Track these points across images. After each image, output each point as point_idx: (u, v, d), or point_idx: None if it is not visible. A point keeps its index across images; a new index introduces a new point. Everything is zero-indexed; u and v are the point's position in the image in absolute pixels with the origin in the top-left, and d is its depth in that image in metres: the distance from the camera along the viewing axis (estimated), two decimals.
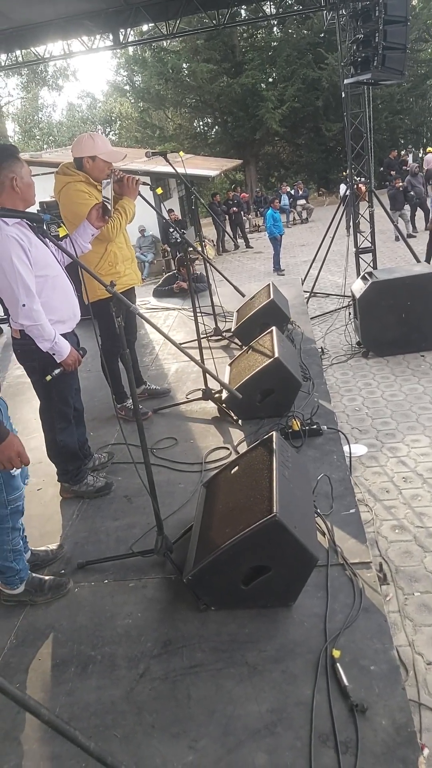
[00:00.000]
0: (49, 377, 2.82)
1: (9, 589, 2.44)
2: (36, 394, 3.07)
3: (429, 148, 21.69)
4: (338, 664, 1.92)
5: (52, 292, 2.81)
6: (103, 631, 2.27)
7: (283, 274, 13.77)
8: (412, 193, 14.52)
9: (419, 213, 15.08)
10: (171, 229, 15.71)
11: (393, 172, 18.78)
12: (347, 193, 9.71)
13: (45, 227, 2.63)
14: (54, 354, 2.81)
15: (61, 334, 2.84)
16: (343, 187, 14.52)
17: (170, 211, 17.31)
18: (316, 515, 2.58)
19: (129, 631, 2.24)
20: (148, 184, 3.77)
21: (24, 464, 2.11)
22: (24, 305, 2.64)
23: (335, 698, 1.83)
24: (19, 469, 2.27)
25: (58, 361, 2.83)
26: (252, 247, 18.61)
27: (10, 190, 2.61)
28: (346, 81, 8.46)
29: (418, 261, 9.09)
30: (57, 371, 2.84)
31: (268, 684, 1.93)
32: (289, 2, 23.99)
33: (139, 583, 2.49)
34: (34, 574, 2.51)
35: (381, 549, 4.09)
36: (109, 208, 3.10)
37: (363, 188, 9.60)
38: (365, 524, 2.74)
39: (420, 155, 21.12)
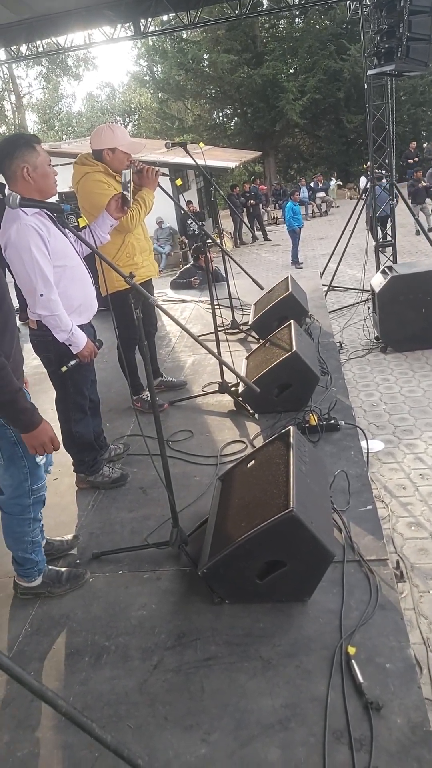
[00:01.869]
0: (64, 368, 2.82)
1: (26, 581, 2.44)
2: (52, 385, 3.08)
3: None
4: (353, 661, 1.91)
5: (70, 283, 2.80)
6: (117, 621, 2.27)
7: (302, 267, 13.68)
8: None
9: None
10: (189, 221, 15.67)
11: (411, 161, 18.55)
12: (368, 186, 9.61)
13: (65, 217, 2.63)
14: (70, 345, 2.80)
15: (78, 326, 2.83)
16: (363, 180, 14.35)
17: (189, 202, 17.26)
18: (332, 511, 2.56)
19: (143, 623, 2.25)
20: (168, 175, 3.75)
21: (55, 449, 2.14)
22: (42, 295, 2.63)
23: (350, 695, 1.82)
24: (44, 459, 2.29)
25: (74, 353, 2.82)
26: (270, 240, 18.51)
27: (23, 180, 2.55)
28: (369, 72, 8.35)
29: None
30: (72, 362, 2.83)
31: (282, 679, 1.92)
32: None
33: (153, 575, 2.50)
34: (50, 567, 2.52)
35: (396, 546, 4.06)
36: (129, 199, 3.09)
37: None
38: (381, 521, 2.71)
39: None
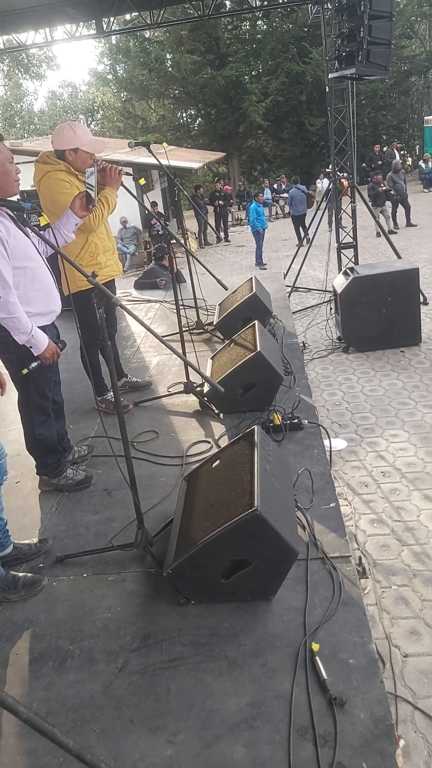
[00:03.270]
0: (25, 370, 2.78)
1: None
2: (14, 387, 3.03)
3: None
4: (317, 658, 1.93)
5: (30, 284, 2.76)
6: (82, 625, 2.25)
7: (266, 268, 13.77)
8: (392, 191, 14.59)
9: (400, 209, 15.17)
10: (153, 221, 15.61)
11: (373, 165, 18.85)
12: (330, 188, 9.73)
13: (25, 216, 2.59)
14: (31, 347, 2.76)
15: (40, 327, 2.79)
16: (325, 182, 14.53)
17: (153, 203, 17.19)
18: (296, 509, 2.59)
19: (108, 625, 2.23)
20: (131, 174, 3.73)
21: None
22: None
23: (314, 691, 1.84)
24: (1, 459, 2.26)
25: (36, 355, 2.78)
26: (229, 242, 18.59)
27: None
28: (330, 75, 8.46)
29: (399, 257, 9.14)
30: (34, 364, 2.79)
31: (248, 678, 1.93)
32: None
33: (118, 577, 2.48)
34: (9, 571, 2.48)
35: (359, 542, 4.12)
36: (93, 197, 3.06)
37: (345, 183, 9.62)
38: (344, 518, 2.75)
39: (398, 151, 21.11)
